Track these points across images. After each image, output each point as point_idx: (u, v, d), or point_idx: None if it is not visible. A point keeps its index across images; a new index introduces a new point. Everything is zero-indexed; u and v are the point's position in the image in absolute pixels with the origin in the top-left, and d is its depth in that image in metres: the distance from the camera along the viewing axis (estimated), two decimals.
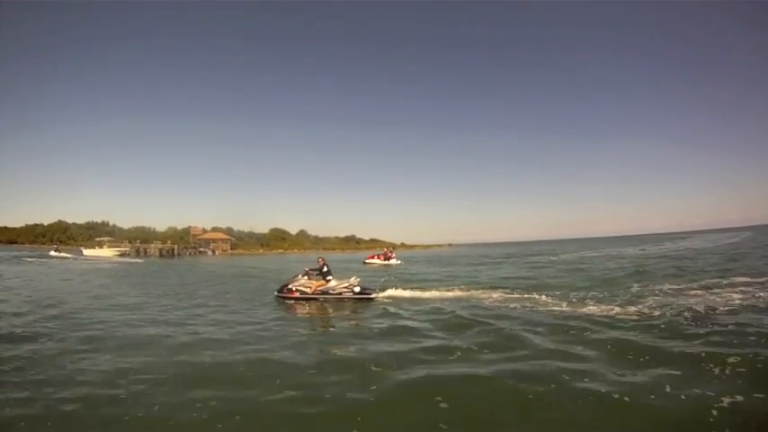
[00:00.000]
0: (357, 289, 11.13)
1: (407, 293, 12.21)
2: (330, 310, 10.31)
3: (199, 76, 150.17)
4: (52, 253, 47.22)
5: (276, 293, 11.77)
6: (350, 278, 11.56)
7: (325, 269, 11.43)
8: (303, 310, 10.44)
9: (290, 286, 11.44)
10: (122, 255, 50.90)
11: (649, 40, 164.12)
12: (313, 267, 11.71)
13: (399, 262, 32.19)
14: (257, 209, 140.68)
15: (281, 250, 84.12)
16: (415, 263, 34.52)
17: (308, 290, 11.15)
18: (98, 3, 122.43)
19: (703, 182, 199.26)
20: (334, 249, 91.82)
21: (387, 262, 31.80)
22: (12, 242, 74.50)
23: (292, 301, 11.14)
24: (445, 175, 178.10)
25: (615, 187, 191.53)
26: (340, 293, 11.13)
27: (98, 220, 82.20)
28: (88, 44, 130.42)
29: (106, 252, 50.59)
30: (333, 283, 11.35)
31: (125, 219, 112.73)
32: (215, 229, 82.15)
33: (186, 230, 76.36)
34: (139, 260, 42.57)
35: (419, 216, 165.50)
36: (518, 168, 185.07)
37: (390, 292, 12.25)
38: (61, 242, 73.24)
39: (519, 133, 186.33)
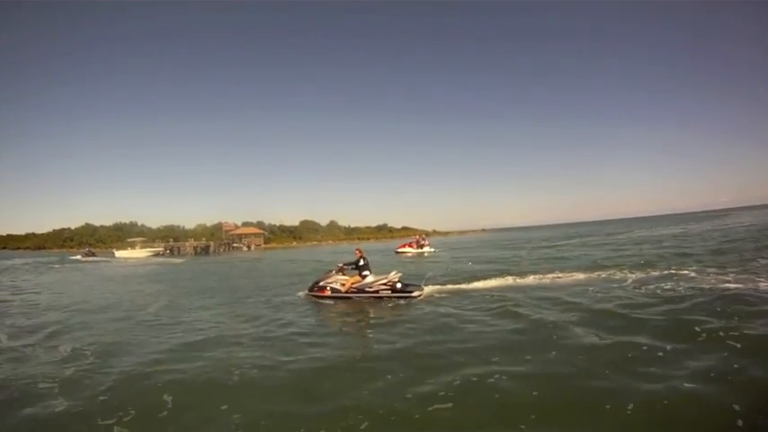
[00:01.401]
0: (398, 285, 9.56)
1: (466, 286, 10.49)
2: (362, 313, 8.56)
3: (212, 73, 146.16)
4: (79, 257, 43.73)
5: (307, 292, 10.36)
6: (389, 273, 9.89)
7: (362, 263, 9.95)
8: (332, 311, 8.86)
9: (321, 283, 10.08)
10: (156, 255, 47.05)
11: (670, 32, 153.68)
12: (348, 262, 10.21)
13: (433, 250, 29.33)
14: (282, 201, 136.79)
15: (314, 242, 79.98)
16: (456, 249, 31.30)
17: (341, 287, 9.79)
18: (101, 5, 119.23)
19: (722, 162, 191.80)
20: (368, 239, 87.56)
21: (420, 250, 28.78)
22: (40, 248, 72.07)
23: (326, 301, 9.73)
24: (466, 163, 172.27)
25: (631, 171, 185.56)
26: (377, 291, 9.60)
27: (125, 220, 78.89)
28: (96, 45, 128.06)
29: (139, 253, 46.74)
30: (370, 278, 9.84)
31: (151, 218, 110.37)
32: (245, 224, 78.23)
33: (217, 226, 72.54)
34: (177, 259, 38.26)
35: (444, 203, 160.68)
36: (534, 155, 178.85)
37: (437, 286, 10.48)
38: (90, 245, 70.63)
39: (544, 120, 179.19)
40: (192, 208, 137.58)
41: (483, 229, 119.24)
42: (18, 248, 71.73)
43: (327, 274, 10.28)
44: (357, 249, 10.34)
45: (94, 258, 41.89)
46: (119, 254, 46.30)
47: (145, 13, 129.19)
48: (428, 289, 9.93)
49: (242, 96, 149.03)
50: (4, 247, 73.79)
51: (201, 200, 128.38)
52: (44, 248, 71.50)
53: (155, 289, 13.27)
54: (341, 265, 10.15)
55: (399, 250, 29.39)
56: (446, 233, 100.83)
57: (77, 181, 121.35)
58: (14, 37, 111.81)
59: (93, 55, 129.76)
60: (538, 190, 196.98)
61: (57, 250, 69.26)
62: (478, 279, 11.56)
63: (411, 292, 9.43)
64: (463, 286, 10.46)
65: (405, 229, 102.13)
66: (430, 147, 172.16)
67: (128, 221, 79.23)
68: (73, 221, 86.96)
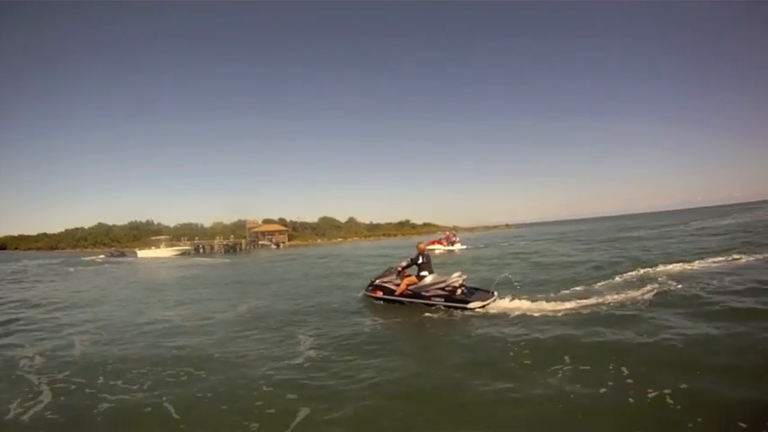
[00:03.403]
0: (459, 291, 7.47)
1: (564, 296, 7.47)
2: (407, 324, 6.78)
3: (226, 71, 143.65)
4: (103, 257, 40.13)
5: (364, 291, 8.97)
6: (452, 273, 7.75)
7: (421, 260, 8.18)
8: (376, 318, 7.17)
9: (376, 282, 8.60)
10: (183, 254, 42.97)
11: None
12: (411, 260, 8.33)
13: (465, 247, 26.45)
14: (298, 198, 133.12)
15: (339, 239, 75.81)
16: (493, 246, 27.54)
17: (394, 288, 8.16)
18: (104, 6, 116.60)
19: (738, 159, 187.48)
20: (395, 235, 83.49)
21: (451, 248, 25.98)
22: (52, 248, 68.50)
23: (377, 302, 8.35)
24: (483, 160, 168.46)
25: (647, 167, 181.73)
26: (430, 297, 7.61)
27: (141, 219, 74.99)
28: (107, 44, 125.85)
29: (164, 252, 42.73)
30: (428, 279, 7.92)
31: (165, 217, 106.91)
32: (266, 221, 74.20)
33: (238, 224, 68.34)
34: (210, 259, 34.11)
35: (461, 200, 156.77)
36: (551, 151, 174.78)
37: (519, 298, 7.43)
38: (105, 245, 66.99)
39: (562, 117, 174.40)
40: (205, 206, 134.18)
41: (507, 225, 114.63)
42: (30, 249, 68.21)
43: (386, 271, 8.96)
44: (419, 244, 8.81)
45: (120, 259, 38.04)
46: (141, 253, 42.30)
47: (160, 11, 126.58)
48: (485, 301, 7.26)
49: (257, 95, 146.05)
50: (16, 248, 70.35)
51: (215, 197, 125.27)
52: (57, 249, 67.95)
53: (250, 304, 8.96)
54: (402, 266, 8.40)
55: (428, 248, 25.28)
56: (471, 229, 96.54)
57: (89, 180, 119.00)
58: (25, 36, 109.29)
59: (105, 54, 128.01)
60: (554, 186, 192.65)
61: (70, 250, 65.69)
62: (574, 283, 8.80)
63: (469, 302, 7.28)
64: (561, 295, 7.57)
65: (427, 225, 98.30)
66: (445, 145, 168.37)
67: (144, 220, 75.39)
68: (86, 221, 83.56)
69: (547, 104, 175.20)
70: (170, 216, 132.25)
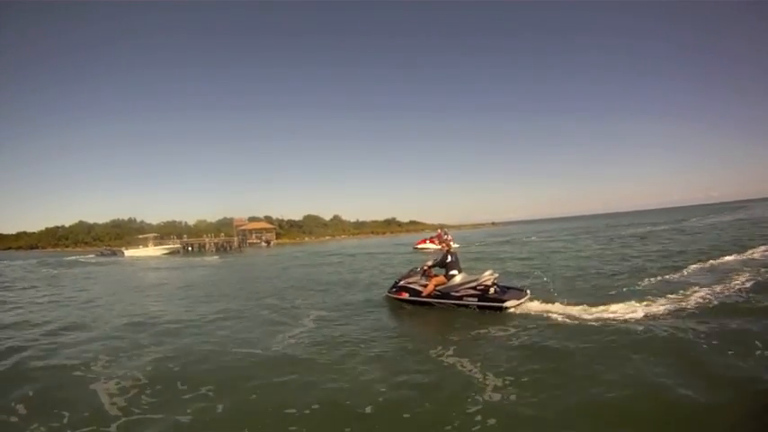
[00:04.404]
0: (492, 290, 7.20)
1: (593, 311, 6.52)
2: (432, 328, 6.72)
3: (208, 70, 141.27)
4: (91, 257, 39.57)
5: (387, 293, 8.68)
6: (483, 272, 7.53)
7: (450, 259, 7.89)
8: (401, 322, 7.11)
9: (401, 283, 8.30)
10: (173, 253, 42.75)
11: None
12: (435, 259, 8.13)
13: (457, 245, 26.09)
14: (281, 196, 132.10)
15: (327, 237, 76.16)
16: (490, 245, 27.51)
17: (421, 289, 7.88)
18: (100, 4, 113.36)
19: (714, 158, 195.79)
20: (384, 233, 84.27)
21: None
22: (32, 247, 66.53)
23: (403, 304, 8.05)
24: (468, 158, 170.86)
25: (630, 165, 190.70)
26: (461, 297, 7.38)
27: (124, 217, 73.55)
28: (90, 43, 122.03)
29: (154, 251, 42.41)
30: (458, 279, 7.68)
31: (147, 215, 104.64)
32: (251, 219, 73.80)
33: (222, 222, 67.84)
34: (208, 257, 34.14)
35: (446, 198, 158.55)
36: (536, 150, 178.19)
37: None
38: (86, 243, 65.68)
39: (546, 115, 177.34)
40: (188, 204, 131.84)
41: (492, 223, 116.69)
42: (9, 248, 66.07)
43: (410, 272, 8.56)
44: (443, 243, 8.84)
45: (111, 259, 37.58)
46: (129, 253, 41.79)
47: (139, 11, 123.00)
48: (517, 301, 7.11)
49: (240, 94, 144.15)
50: None
51: (198, 196, 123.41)
52: (37, 248, 66.04)
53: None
54: (427, 266, 8.17)
55: (419, 246, 26.43)
56: (459, 227, 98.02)
57: (70, 179, 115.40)
58: (9, 34, 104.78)
59: (84, 52, 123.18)
60: (539, 184, 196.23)
61: (51, 249, 64.04)
62: (606, 280, 9.07)
63: (504, 301, 7.06)
64: (603, 298, 7.38)
65: (413, 223, 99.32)
66: (430, 143, 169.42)
67: (126, 218, 74.00)
68: (66, 219, 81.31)
69: (532, 105, 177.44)
70: (153, 214, 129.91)
